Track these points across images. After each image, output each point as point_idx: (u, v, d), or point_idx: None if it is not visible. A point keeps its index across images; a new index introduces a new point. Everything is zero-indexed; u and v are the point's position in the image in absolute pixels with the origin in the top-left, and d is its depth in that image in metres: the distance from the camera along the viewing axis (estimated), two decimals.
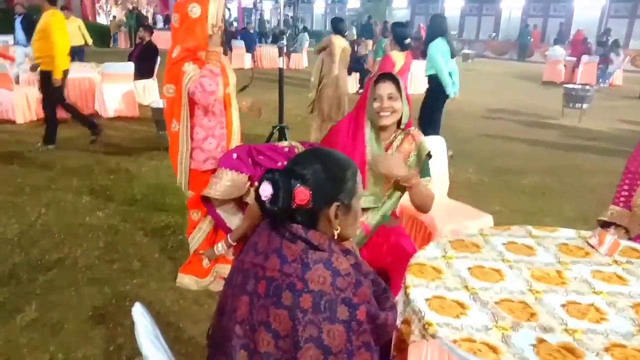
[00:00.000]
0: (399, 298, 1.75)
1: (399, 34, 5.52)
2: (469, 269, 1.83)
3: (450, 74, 5.41)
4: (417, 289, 1.67)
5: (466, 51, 20.28)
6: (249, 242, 1.28)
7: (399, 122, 2.31)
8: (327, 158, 1.26)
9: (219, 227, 2.75)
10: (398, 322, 1.63)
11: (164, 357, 1.12)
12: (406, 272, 1.80)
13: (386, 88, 2.22)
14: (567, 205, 4.65)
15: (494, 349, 1.38)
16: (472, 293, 1.67)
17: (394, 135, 2.32)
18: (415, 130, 2.36)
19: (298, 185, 1.18)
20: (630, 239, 2.34)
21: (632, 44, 18.20)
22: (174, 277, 3.02)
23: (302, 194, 1.17)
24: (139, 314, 1.23)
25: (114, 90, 7.57)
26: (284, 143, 2.69)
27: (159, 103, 6.13)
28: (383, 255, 2.20)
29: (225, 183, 2.52)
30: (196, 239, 2.85)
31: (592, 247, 2.04)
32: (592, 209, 4.52)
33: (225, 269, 2.93)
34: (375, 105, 2.22)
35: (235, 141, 2.80)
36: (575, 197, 4.88)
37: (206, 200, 2.64)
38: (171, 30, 2.64)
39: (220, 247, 2.68)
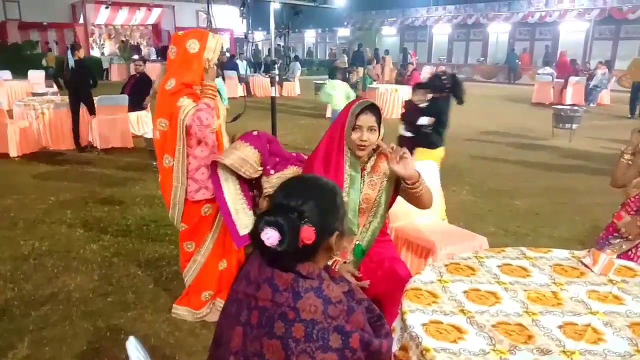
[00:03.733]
0: (396, 324, 1.74)
1: None
2: (465, 292, 1.83)
3: None
4: (414, 315, 1.66)
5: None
6: (242, 271, 1.28)
7: None
8: (319, 189, 1.26)
9: (225, 220, 2.61)
10: (395, 348, 1.61)
11: None
12: (402, 297, 1.80)
13: (368, 120, 2.17)
14: (561, 226, 4.67)
15: None
16: (469, 317, 1.66)
17: (367, 157, 2.31)
18: (385, 147, 2.34)
19: (302, 224, 1.16)
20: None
21: (617, 64, 18.52)
22: (169, 309, 2.99)
23: (308, 233, 1.15)
24: (134, 348, 1.22)
25: (108, 122, 7.60)
26: (292, 152, 2.70)
27: (151, 134, 6.18)
28: (377, 281, 2.18)
29: (239, 154, 2.50)
30: (191, 271, 2.83)
31: (587, 266, 2.05)
32: (586, 229, 4.56)
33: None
34: (355, 136, 2.18)
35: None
36: (568, 218, 4.90)
37: (214, 174, 2.57)
38: (167, 63, 2.68)
39: None
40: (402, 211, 2.93)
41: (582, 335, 1.57)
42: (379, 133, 2.22)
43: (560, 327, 1.61)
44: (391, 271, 2.22)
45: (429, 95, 4.58)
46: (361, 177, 2.25)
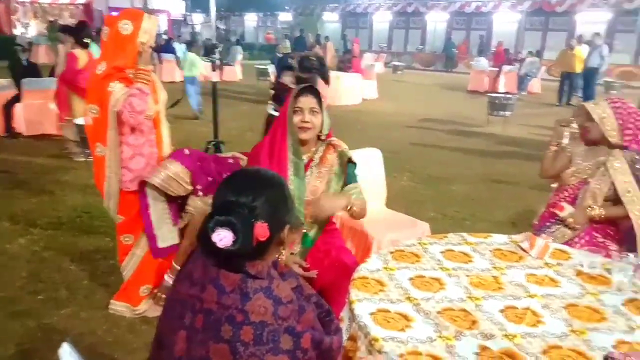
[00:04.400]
0: (344, 314, 1.73)
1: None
2: (411, 279, 1.85)
3: None
4: (362, 304, 1.66)
5: (396, 63, 20.90)
6: (183, 271, 1.21)
7: (319, 134, 2.29)
8: (267, 182, 1.20)
9: (146, 231, 2.64)
10: (344, 338, 1.60)
11: None
12: (350, 286, 1.79)
13: (308, 102, 2.18)
14: (496, 211, 4.86)
15: None
16: (415, 304, 1.68)
17: (314, 148, 2.30)
18: (335, 140, 2.36)
19: (254, 221, 1.10)
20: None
21: (547, 54, 19.48)
22: (106, 305, 2.85)
23: (262, 230, 1.09)
24: (67, 354, 1.13)
25: (36, 106, 7.12)
26: (227, 154, 2.63)
27: (81, 120, 5.86)
28: (324, 270, 2.17)
29: (168, 173, 2.47)
30: (130, 265, 2.70)
31: (525, 250, 2.13)
32: (520, 213, 4.77)
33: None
34: (297, 118, 2.18)
35: None
36: (503, 203, 5.11)
37: (142, 191, 2.56)
38: (101, 45, 2.52)
39: (167, 279, 2.57)
40: None
41: (522, 318, 1.62)
42: (322, 116, 2.21)
43: (502, 311, 1.66)
44: (338, 260, 2.21)
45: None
46: (309, 168, 2.22)
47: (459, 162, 6.76)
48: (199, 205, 2.54)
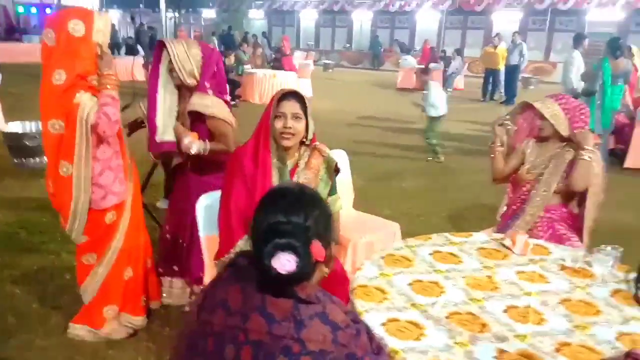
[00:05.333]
0: None
1: None
2: (410, 284, 1.83)
3: None
4: (370, 314, 1.62)
5: (326, 61, 21.05)
6: (211, 298, 1.10)
7: (303, 139, 2.21)
8: (314, 200, 1.14)
9: (149, 115, 2.71)
10: None
11: None
12: (352, 296, 1.74)
13: (290, 107, 2.07)
14: (446, 205, 4.99)
15: None
16: (422, 311, 1.66)
17: (297, 152, 2.23)
18: (320, 145, 2.30)
19: (310, 241, 1.04)
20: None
21: (467, 52, 20.42)
22: (63, 330, 2.61)
23: (318, 249, 1.03)
24: None
25: None
26: None
27: (11, 127, 5.38)
28: None
29: (185, 48, 2.58)
30: (92, 285, 2.47)
31: (508, 248, 2.18)
32: (468, 205, 4.94)
33: (132, 320, 2.61)
34: (278, 124, 2.07)
35: (131, 171, 2.50)
36: (452, 197, 5.26)
37: (154, 74, 2.71)
38: (43, 51, 2.25)
39: (198, 144, 2.56)
40: None
41: (527, 317, 1.65)
42: (306, 122, 2.13)
43: (505, 311, 1.68)
44: None
45: None
46: (294, 174, 2.13)
47: (401, 158, 6.90)
48: (197, 102, 2.59)
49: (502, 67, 12.77)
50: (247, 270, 1.07)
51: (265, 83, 11.00)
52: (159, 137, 2.69)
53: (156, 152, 2.81)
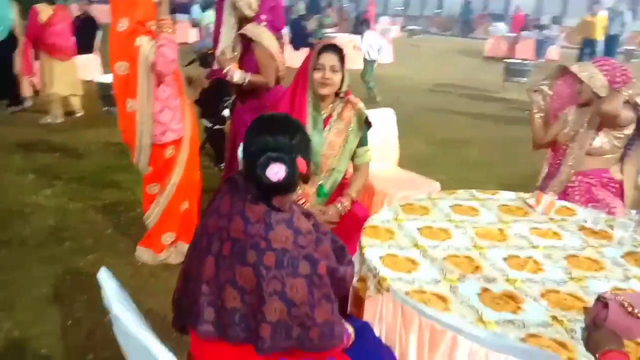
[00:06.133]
0: (355, 258, 1.84)
1: None
2: (419, 229, 1.95)
3: None
4: (372, 249, 1.77)
5: (412, 27, 20.54)
6: (211, 208, 1.32)
7: (337, 91, 2.35)
8: (296, 125, 1.33)
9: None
10: (355, 279, 1.72)
11: (133, 316, 1.16)
12: (361, 234, 1.89)
13: (330, 59, 2.22)
14: (508, 175, 4.90)
15: (443, 299, 1.50)
16: (422, 250, 1.78)
17: (332, 104, 2.36)
18: (354, 97, 2.41)
19: (296, 157, 1.24)
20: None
21: (567, 21, 19.00)
22: (128, 253, 3.01)
23: (302, 164, 1.24)
24: (105, 278, 1.26)
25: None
26: None
27: (104, 78, 5.95)
28: (338, 221, 2.27)
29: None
30: (154, 213, 2.83)
31: (531, 206, 2.21)
32: (530, 176, 4.82)
33: (186, 248, 2.95)
34: (317, 75, 2.22)
35: (189, 111, 2.79)
36: (516, 166, 5.14)
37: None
38: (110, 3, 2.52)
39: (239, 73, 2.91)
40: None
41: (524, 266, 1.72)
42: (343, 76, 2.26)
43: (505, 259, 1.76)
44: (351, 212, 2.31)
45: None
46: (328, 123, 2.29)
47: (472, 127, 6.77)
48: (253, 31, 2.93)
49: (600, 38, 11.83)
50: (239, 183, 1.28)
51: (346, 48, 11.00)
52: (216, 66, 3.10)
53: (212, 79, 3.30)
